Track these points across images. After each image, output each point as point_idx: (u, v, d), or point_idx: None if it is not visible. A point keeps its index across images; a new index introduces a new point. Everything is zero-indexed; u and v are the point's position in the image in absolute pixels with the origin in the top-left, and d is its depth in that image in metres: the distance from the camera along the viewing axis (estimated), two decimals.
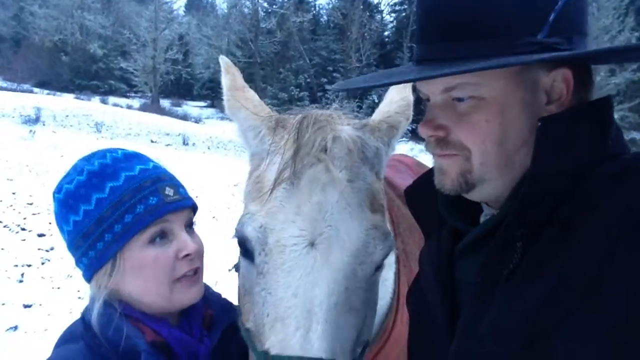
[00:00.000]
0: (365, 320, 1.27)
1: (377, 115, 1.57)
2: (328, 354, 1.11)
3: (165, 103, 47.66)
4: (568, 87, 1.03)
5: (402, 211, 1.79)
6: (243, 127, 1.50)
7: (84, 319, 1.35)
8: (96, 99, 41.41)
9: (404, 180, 2.06)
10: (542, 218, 0.98)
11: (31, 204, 9.95)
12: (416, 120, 1.15)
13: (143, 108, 40.16)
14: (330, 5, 52.13)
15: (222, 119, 40.65)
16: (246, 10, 46.18)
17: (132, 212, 1.31)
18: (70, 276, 6.66)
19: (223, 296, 1.62)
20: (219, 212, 11.60)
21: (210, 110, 47.55)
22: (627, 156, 0.99)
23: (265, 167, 1.35)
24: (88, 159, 1.41)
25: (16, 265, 7.06)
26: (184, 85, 54.42)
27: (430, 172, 1.25)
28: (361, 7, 45.97)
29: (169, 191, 1.38)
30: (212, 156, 23.09)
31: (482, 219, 1.19)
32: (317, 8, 55.29)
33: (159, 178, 1.40)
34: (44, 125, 21.87)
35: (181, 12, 65.55)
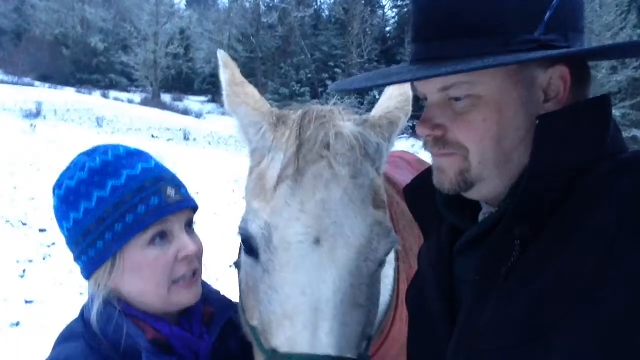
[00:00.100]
0: (369, 316, 1.29)
1: (377, 111, 1.58)
2: (336, 350, 1.13)
3: (166, 98, 47.60)
4: (565, 85, 1.03)
5: (401, 208, 1.79)
6: (244, 122, 1.49)
7: (84, 317, 1.35)
8: (97, 93, 41.41)
9: (404, 177, 2.06)
10: (540, 216, 0.98)
11: (32, 198, 9.96)
12: (417, 116, 1.15)
13: (144, 102, 40.14)
14: (332, 1, 52.02)
15: (223, 114, 40.52)
16: (247, 4, 46.11)
17: (134, 213, 1.30)
18: (72, 272, 6.67)
19: (222, 293, 1.63)
20: (219, 208, 11.61)
21: (212, 105, 47.49)
22: (625, 154, 1.00)
23: (267, 163, 1.35)
24: (89, 154, 1.40)
25: (18, 261, 7.07)
26: (185, 79, 54.31)
27: (429, 170, 1.26)
28: (363, 2, 45.88)
29: (171, 192, 1.37)
30: (213, 151, 23.08)
31: (480, 217, 1.19)
32: (318, 3, 55.18)
33: (161, 178, 1.39)
34: (45, 119, 21.88)
35: (182, 6, 65.48)
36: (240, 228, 1.29)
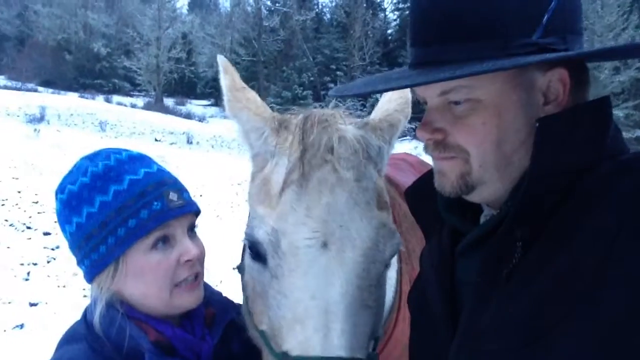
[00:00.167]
0: (377, 316, 1.30)
1: (377, 113, 1.58)
2: (348, 352, 1.14)
3: (169, 102, 47.65)
4: (565, 87, 1.03)
5: (403, 209, 1.80)
6: (245, 128, 1.49)
7: (86, 319, 1.36)
8: (100, 98, 41.48)
9: (406, 179, 2.07)
10: (541, 217, 0.98)
11: (36, 202, 10.00)
12: (419, 119, 1.15)
13: (147, 107, 40.21)
14: (334, 4, 52.08)
15: (225, 117, 40.30)
16: (249, 8, 46.18)
17: (136, 217, 1.31)
18: (76, 274, 6.69)
19: (224, 294, 1.63)
20: (222, 211, 11.63)
21: (214, 109, 47.55)
22: (626, 155, 1.00)
23: (271, 169, 1.35)
24: (92, 158, 1.40)
25: (22, 264, 7.10)
26: (188, 83, 54.41)
27: (430, 173, 1.26)
28: (364, 5, 45.92)
29: (173, 196, 1.38)
30: (216, 155, 23.11)
31: (482, 219, 1.19)
32: (320, 6, 55.24)
33: (163, 182, 1.40)
34: (48, 124, 21.93)
35: (184, 10, 65.62)
36: (246, 234, 1.30)
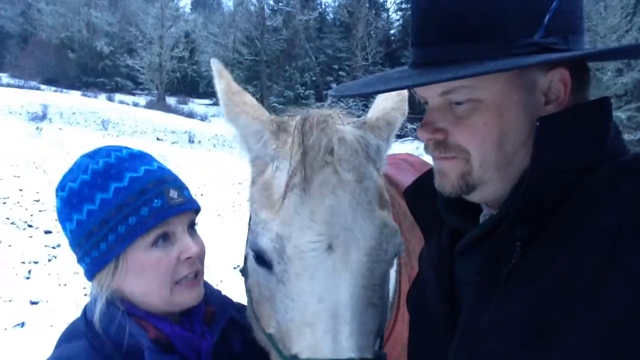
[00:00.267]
0: (381, 314, 1.31)
1: (374, 111, 1.58)
2: (357, 352, 1.15)
3: (171, 100, 47.76)
4: (566, 87, 1.03)
5: (403, 209, 1.80)
6: (243, 132, 1.48)
7: (86, 317, 1.36)
8: (102, 96, 41.53)
9: (406, 179, 2.06)
10: (541, 217, 0.98)
11: (38, 200, 10.02)
12: (420, 119, 1.15)
13: (149, 105, 40.27)
14: (337, 3, 52.09)
15: None
16: (252, 8, 46.16)
17: (137, 215, 1.31)
18: (77, 273, 6.71)
19: (223, 293, 1.63)
20: (223, 210, 11.64)
21: (216, 108, 47.53)
22: (626, 156, 1.00)
23: (272, 173, 1.35)
24: (92, 156, 1.41)
25: (23, 262, 7.12)
26: (190, 82, 54.49)
27: (429, 173, 1.26)
28: (367, 5, 45.91)
29: (173, 193, 1.38)
30: (218, 154, 23.13)
31: (481, 219, 1.19)
32: (323, 6, 55.25)
33: (164, 180, 1.40)
34: (50, 122, 21.98)
35: (187, 9, 65.67)
36: (250, 241, 1.30)
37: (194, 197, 1.50)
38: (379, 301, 1.28)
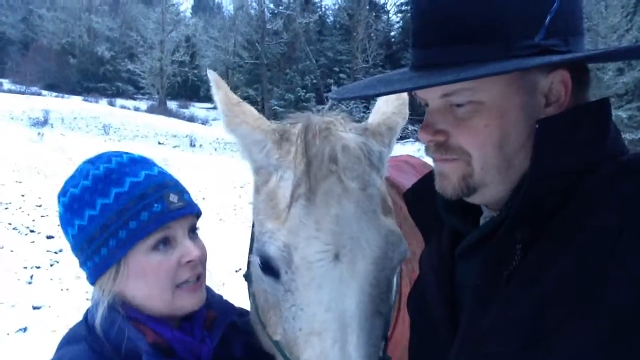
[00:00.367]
0: (386, 319, 1.32)
1: (375, 116, 1.58)
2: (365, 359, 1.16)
3: (172, 105, 47.82)
4: (566, 89, 1.03)
5: (404, 212, 1.80)
6: (245, 142, 1.47)
7: (87, 321, 1.37)
8: (104, 101, 41.66)
9: (408, 181, 2.06)
10: (541, 219, 0.98)
11: (40, 206, 10.03)
12: (421, 121, 1.15)
13: (150, 110, 40.34)
14: (337, 6, 52.11)
15: None
16: (252, 11, 46.22)
17: (137, 219, 1.32)
18: (79, 277, 6.70)
19: (225, 298, 1.64)
20: (225, 213, 11.64)
21: (217, 112, 47.53)
22: (626, 156, 1.00)
23: (276, 182, 1.34)
24: (93, 162, 1.42)
25: (25, 267, 7.12)
26: (191, 87, 54.57)
27: (429, 174, 1.26)
28: (367, 7, 45.91)
29: (174, 198, 1.39)
30: (219, 158, 23.15)
31: (481, 221, 1.19)
32: (323, 9, 55.30)
33: (164, 184, 1.41)
34: (52, 127, 22.02)
35: (188, 13, 65.79)
36: (256, 250, 1.30)
37: (195, 201, 1.51)
38: (385, 308, 1.29)
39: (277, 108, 33.60)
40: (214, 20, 57.67)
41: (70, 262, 7.11)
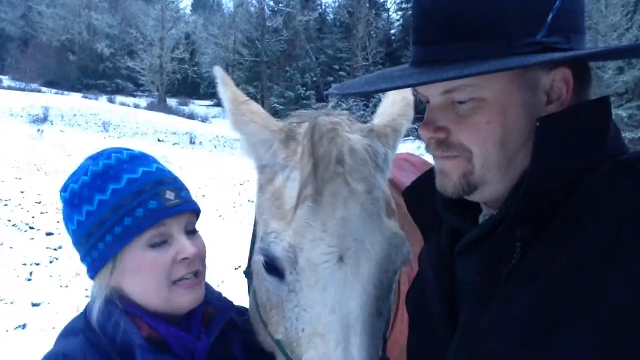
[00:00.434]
0: (387, 319, 1.33)
1: (380, 117, 1.57)
2: None
3: (172, 102, 47.79)
4: (568, 87, 1.02)
5: (403, 210, 1.81)
6: (252, 141, 1.47)
7: (86, 315, 1.38)
8: (103, 98, 41.58)
9: (408, 179, 2.05)
10: (541, 217, 0.98)
11: (39, 202, 10.03)
12: (421, 119, 1.15)
13: (150, 107, 40.31)
14: (337, 4, 52.09)
15: None
16: (252, 9, 46.12)
17: (132, 216, 1.33)
18: (79, 274, 6.71)
19: (223, 295, 1.63)
20: (225, 210, 11.63)
21: (217, 109, 47.60)
22: (626, 155, 1.00)
23: (282, 182, 1.34)
24: (95, 158, 1.43)
25: (24, 264, 7.12)
26: (191, 84, 54.51)
27: (428, 173, 1.26)
28: (367, 5, 45.90)
29: (170, 195, 1.39)
30: (219, 155, 23.15)
31: (481, 219, 1.19)
32: (323, 6, 55.25)
33: (161, 181, 1.41)
34: (51, 124, 22.00)
35: (188, 11, 65.70)
36: (261, 249, 1.30)
37: (194, 198, 1.51)
38: (386, 309, 1.30)
39: (277, 106, 33.57)
40: (213, 17, 57.58)
41: (69, 259, 7.12)
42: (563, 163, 0.98)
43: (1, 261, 7.04)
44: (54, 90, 40.77)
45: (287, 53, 47.46)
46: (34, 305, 5.97)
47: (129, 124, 26.90)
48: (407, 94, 1.61)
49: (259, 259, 1.33)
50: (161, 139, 25.08)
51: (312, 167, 1.26)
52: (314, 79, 42.73)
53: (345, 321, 1.18)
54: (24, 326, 5.41)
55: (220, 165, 19.04)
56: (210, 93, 51.94)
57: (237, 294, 1.88)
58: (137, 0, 55.82)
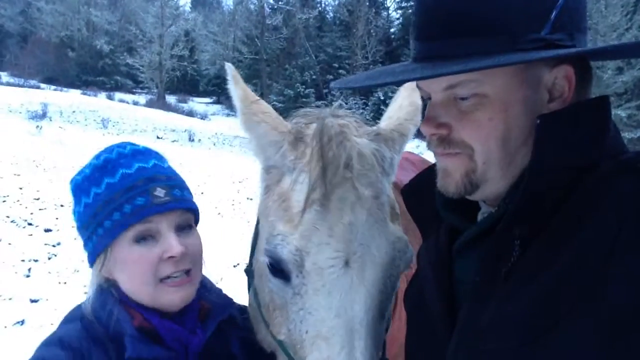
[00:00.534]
0: (387, 322, 1.34)
1: (387, 122, 1.56)
2: None
3: (171, 99, 47.74)
4: (570, 85, 1.02)
5: (402, 208, 1.81)
6: (262, 142, 1.45)
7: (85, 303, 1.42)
8: (102, 95, 41.55)
9: (407, 178, 2.05)
10: (541, 215, 0.98)
11: (38, 199, 10.01)
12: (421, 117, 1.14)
13: (149, 104, 40.30)
14: (337, 2, 52.03)
15: (227, 115, 40.75)
16: (252, 6, 46.05)
17: (120, 211, 1.35)
18: (77, 271, 6.72)
19: (224, 292, 1.63)
20: (223, 208, 11.63)
21: (216, 107, 47.63)
22: (626, 155, 0.99)
23: (290, 185, 1.34)
24: (100, 152, 1.47)
25: (23, 260, 7.12)
26: (190, 81, 54.47)
27: (426, 171, 1.25)
28: (367, 3, 45.88)
29: (160, 192, 1.39)
30: (218, 152, 23.14)
31: (479, 217, 1.19)
32: (323, 5, 55.20)
33: (154, 178, 1.41)
34: (50, 120, 21.97)
35: (187, 8, 65.63)
36: (267, 251, 1.30)
37: (193, 196, 1.50)
38: (387, 312, 1.31)
39: (276, 104, 33.53)
40: (213, 15, 57.51)
41: (68, 256, 7.11)
42: (563, 161, 0.98)
43: (0, 258, 7.04)
44: (53, 87, 40.75)
45: (286, 51, 47.44)
46: (32, 301, 5.97)
47: (128, 121, 26.87)
48: (415, 98, 1.59)
49: (263, 260, 1.33)
50: (160, 136, 25.05)
51: (320, 170, 1.26)
52: (314, 77, 42.72)
53: (350, 325, 1.19)
54: (22, 322, 5.41)
55: (219, 162, 19.03)
56: (209, 90, 51.96)
57: (236, 291, 1.88)
58: None
